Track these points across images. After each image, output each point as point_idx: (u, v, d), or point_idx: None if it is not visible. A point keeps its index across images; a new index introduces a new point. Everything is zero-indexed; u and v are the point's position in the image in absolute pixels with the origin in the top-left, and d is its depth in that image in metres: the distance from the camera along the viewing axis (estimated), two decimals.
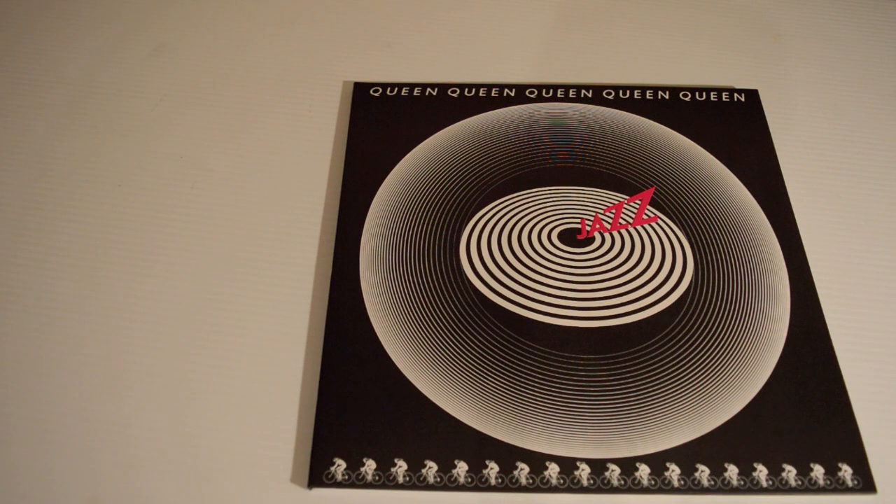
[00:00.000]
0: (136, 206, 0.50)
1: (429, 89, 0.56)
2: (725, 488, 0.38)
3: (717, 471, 0.38)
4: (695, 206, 0.49)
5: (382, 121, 0.54)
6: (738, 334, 0.43)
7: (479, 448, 0.40)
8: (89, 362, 0.43)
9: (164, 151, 0.53)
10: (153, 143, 0.54)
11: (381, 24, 0.62)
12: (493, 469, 0.39)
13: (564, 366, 0.42)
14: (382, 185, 0.51)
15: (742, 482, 0.38)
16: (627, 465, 0.39)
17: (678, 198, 0.49)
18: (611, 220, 0.48)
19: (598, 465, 0.39)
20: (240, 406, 0.42)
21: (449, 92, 0.56)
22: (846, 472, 0.38)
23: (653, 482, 0.38)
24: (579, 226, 0.48)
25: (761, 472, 0.38)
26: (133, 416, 0.42)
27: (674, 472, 0.38)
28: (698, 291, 0.45)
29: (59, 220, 0.50)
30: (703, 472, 0.38)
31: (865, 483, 0.38)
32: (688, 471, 0.38)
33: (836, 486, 0.38)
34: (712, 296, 0.45)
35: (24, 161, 0.53)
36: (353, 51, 0.60)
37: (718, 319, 0.44)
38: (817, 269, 0.46)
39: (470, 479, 0.39)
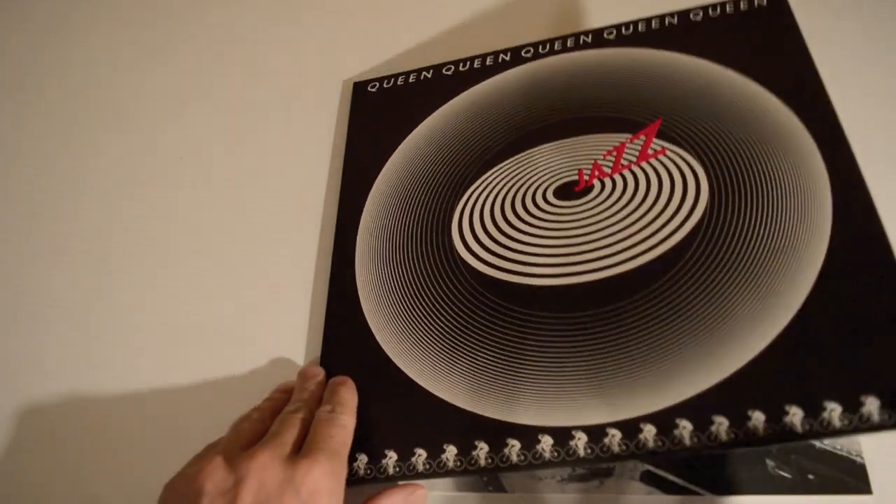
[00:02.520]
0: (136, 205, 0.51)
1: (424, 73, 0.54)
2: (749, 439, 0.31)
3: (739, 420, 0.32)
4: (708, 127, 0.42)
5: (380, 114, 0.53)
6: (764, 254, 0.36)
7: (469, 429, 0.36)
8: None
9: (163, 151, 0.54)
10: (153, 142, 0.55)
11: (382, 25, 0.60)
12: (482, 449, 0.35)
13: (557, 327, 0.38)
14: (378, 178, 0.49)
15: (772, 430, 0.31)
16: (630, 427, 0.33)
17: (690, 124, 0.43)
18: (611, 164, 0.43)
19: (596, 432, 0.34)
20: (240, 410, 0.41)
21: (444, 71, 0.54)
22: None
23: (660, 443, 0.33)
24: (577, 177, 0.43)
25: (795, 415, 0.31)
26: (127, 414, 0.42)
27: (685, 428, 0.32)
28: (715, 215, 0.39)
29: (58, 220, 0.52)
30: (720, 425, 0.32)
31: None
32: (702, 425, 0.32)
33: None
34: (733, 216, 0.38)
35: (24, 160, 0.55)
36: (354, 51, 0.59)
37: (739, 242, 0.37)
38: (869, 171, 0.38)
39: (459, 463, 0.35)
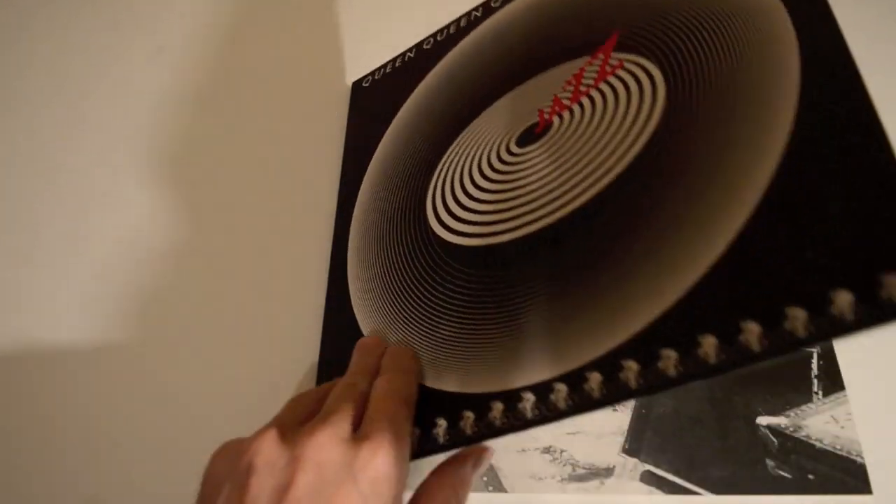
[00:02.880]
0: (137, 204, 0.53)
1: (408, 54, 0.53)
2: (698, 371, 0.26)
3: (687, 349, 0.27)
4: (665, 22, 0.37)
5: (372, 107, 0.52)
6: (723, 148, 0.30)
7: (428, 406, 0.34)
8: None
9: (164, 152, 0.56)
10: (154, 142, 0.56)
11: (382, 24, 0.59)
12: (441, 426, 0.33)
13: (511, 282, 0.34)
14: (368, 170, 0.48)
15: (724, 355, 0.26)
16: (575, 378, 0.29)
17: (648, 26, 0.38)
18: (570, 94, 0.39)
19: (542, 389, 0.30)
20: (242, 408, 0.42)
21: (424, 46, 0.52)
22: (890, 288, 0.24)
23: (605, 391, 0.28)
24: (538, 120, 0.40)
25: (751, 332, 0.26)
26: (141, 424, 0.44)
27: (630, 370, 0.28)
28: (670, 120, 0.33)
29: (57, 220, 0.54)
30: (668, 359, 0.27)
31: None
32: (648, 363, 0.28)
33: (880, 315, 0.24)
34: (689, 114, 0.32)
35: (24, 160, 0.58)
36: (353, 51, 0.58)
37: (695, 142, 0.31)
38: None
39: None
